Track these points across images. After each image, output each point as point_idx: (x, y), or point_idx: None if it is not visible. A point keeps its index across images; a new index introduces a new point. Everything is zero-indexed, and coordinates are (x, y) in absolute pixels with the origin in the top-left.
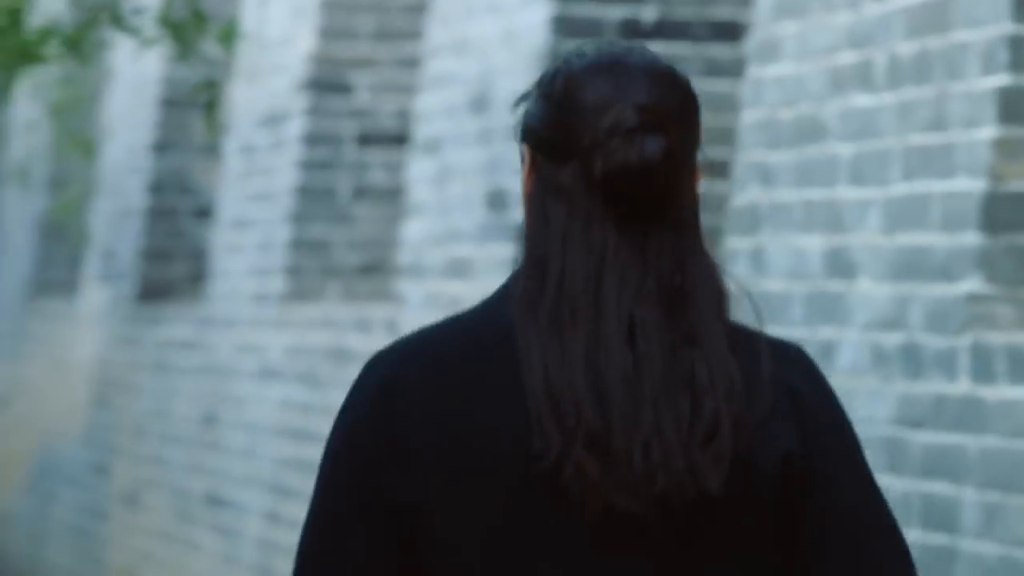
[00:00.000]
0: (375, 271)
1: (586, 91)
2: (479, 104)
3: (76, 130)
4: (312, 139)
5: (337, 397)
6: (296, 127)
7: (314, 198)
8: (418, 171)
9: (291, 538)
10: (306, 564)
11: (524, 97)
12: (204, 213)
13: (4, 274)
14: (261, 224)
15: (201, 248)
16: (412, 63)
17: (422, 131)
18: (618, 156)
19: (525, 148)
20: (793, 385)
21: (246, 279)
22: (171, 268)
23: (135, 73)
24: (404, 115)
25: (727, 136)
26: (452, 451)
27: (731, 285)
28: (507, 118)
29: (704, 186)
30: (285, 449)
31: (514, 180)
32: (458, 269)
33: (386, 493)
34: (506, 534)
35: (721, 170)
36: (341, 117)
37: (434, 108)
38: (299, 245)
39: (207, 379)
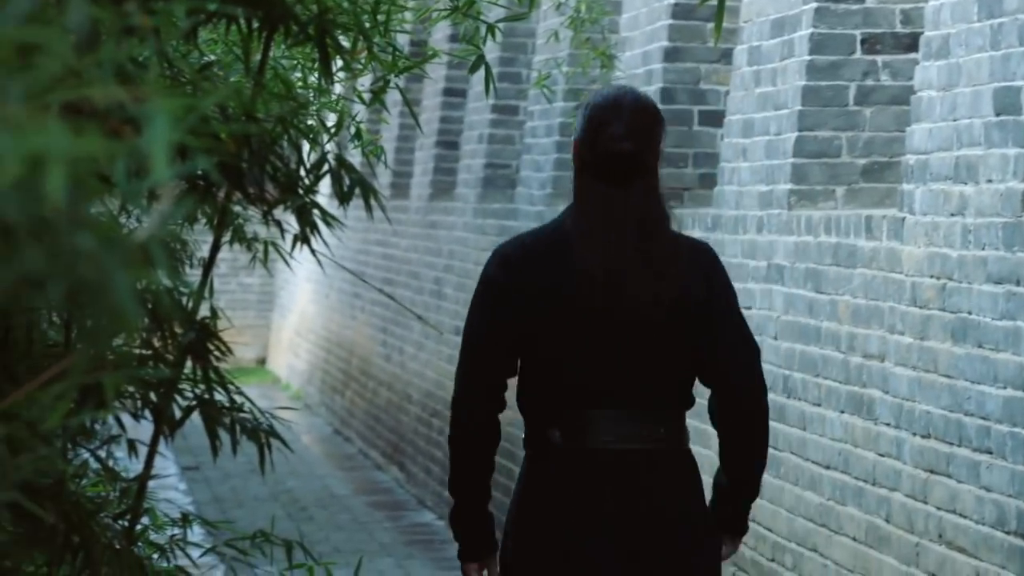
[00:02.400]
0: (881, 174)
1: (600, 116)
2: (990, 5)
3: (594, 40)
4: (820, 44)
5: (842, 298)
6: (804, 32)
7: (821, 102)
8: (925, 74)
9: (797, 433)
10: (467, 356)
11: (577, 108)
12: (714, 119)
13: (528, 179)
14: (769, 128)
15: (711, 153)
16: None
17: (931, 34)
18: (611, 152)
19: (575, 142)
20: (703, 262)
21: (754, 182)
22: (681, 172)
23: None
24: (912, 18)
25: None
26: (540, 295)
27: (671, 213)
28: (1019, 19)
29: None
30: (790, 347)
31: None
32: (964, 172)
33: (510, 316)
34: (568, 335)
35: None
36: (848, 22)
37: (943, 10)
38: (805, 148)
39: None
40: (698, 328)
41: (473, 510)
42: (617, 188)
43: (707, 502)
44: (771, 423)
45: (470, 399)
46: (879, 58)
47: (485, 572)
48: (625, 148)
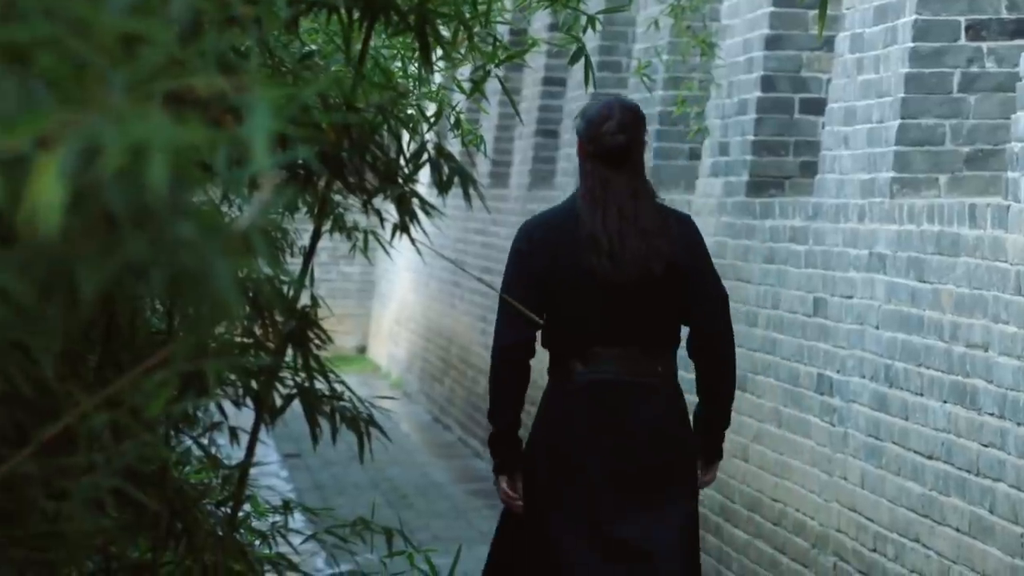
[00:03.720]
0: (985, 162)
1: (598, 117)
2: None
3: (695, 28)
4: (923, 30)
5: (945, 286)
6: (908, 19)
7: (924, 89)
8: None
9: (899, 423)
10: (502, 307)
11: (578, 116)
12: (815, 106)
13: None
14: (871, 116)
15: (812, 141)
16: None
17: None
18: (608, 143)
19: (579, 141)
20: (685, 231)
21: (855, 170)
22: (782, 160)
23: None
24: (1018, 3)
25: None
26: (554, 259)
27: (656, 191)
28: None
29: None
30: (892, 336)
31: None
32: None
33: (534, 274)
34: (578, 288)
35: None
36: (952, 8)
37: None
38: (908, 136)
39: (816, 268)
40: (681, 284)
41: (507, 435)
42: (612, 171)
43: (691, 428)
44: (873, 412)
45: (507, 341)
46: (984, 44)
47: (517, 484)
48: (619, 140)
